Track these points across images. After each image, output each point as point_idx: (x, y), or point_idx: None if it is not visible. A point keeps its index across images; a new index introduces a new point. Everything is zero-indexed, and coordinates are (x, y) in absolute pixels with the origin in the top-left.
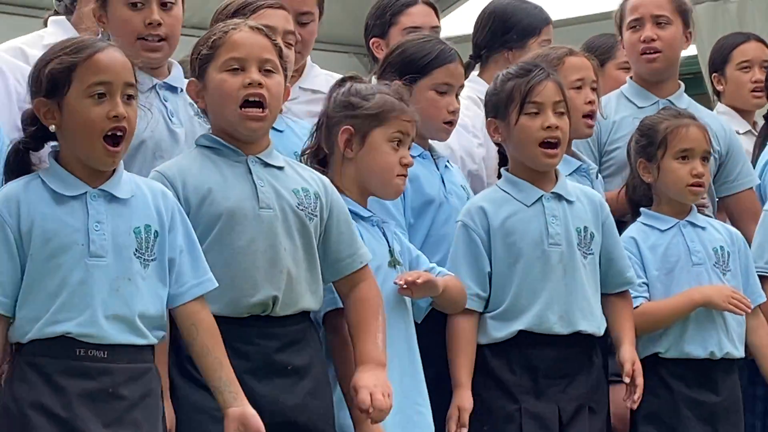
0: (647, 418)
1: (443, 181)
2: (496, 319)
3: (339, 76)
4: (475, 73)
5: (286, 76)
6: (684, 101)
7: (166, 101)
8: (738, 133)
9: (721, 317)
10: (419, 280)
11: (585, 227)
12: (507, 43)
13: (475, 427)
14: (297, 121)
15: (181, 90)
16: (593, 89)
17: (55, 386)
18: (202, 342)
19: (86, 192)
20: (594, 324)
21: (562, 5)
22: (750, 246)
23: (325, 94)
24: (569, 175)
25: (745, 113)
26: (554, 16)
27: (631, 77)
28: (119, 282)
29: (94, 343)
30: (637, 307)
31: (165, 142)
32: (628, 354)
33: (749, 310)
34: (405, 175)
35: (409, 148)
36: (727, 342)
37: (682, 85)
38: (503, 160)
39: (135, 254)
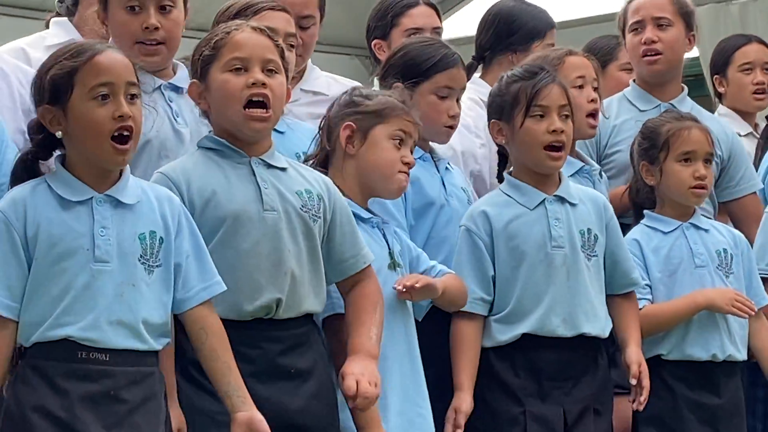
0: (649, 420)
1: (444, 184)
2: (500, 322)
3: (340, 78)
4: (477, 74)
5: (287, 78)
6: (687, 105)
7: (171, 102)
8: (739, 135)
9: (723, 320)
10: (418, 285)
11: (588, 229)
12: (511, 46)
13: (479, 431)
14: (298, 122)
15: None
16: (595, 88)
17: (56, 389)
18: (211, 346)
19: (92, 197)
20: (598, 326)
21: (565, 7)
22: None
23: (326, 95)
24: (571, 176)
25: (746, 115)
26: (556, 18)
27: (633, 80)
28: (123, 287)
29: (96, 347)
30: (639, 309)
31: (170, 142)
32: (635, 355)
33: (753, 314)
34: (407, 173)
35: (411, 152)
36: (730, 344)
37: (685, 88)
38: (502, 161)
39: (140, 260)
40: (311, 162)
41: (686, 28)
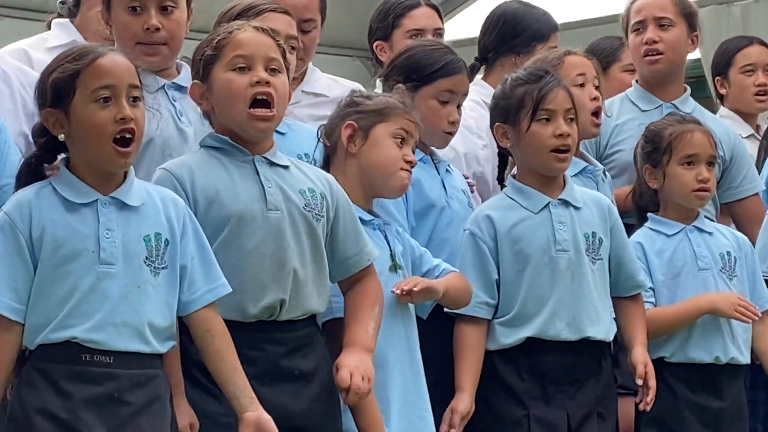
0: (650, 421)
1: (444, 186)
2: (505, 325)
3: (341, 80)
4: (479, 76)
5: (288, 79)
6: (689, 105)
7: (174, 101)
8: (741, 137)
9: (726, 322)
10: (416, 288)
11: (593, 233)
12: (515, 48)
13: None
14: (299, 124)
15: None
16: (596, 87)
17: (60, 391)
18: (217, 348)
19: (97, 199)
20: (602, 330)
21: (567, 8)
22: None
23: (327, 97)
24: (575, 176)
25: (748, 117)
26: (559, 20)
27: (636, 80)
28: (129, 289)
29: (99, 349)
30: None
31: (174, 141)
32: (641, 356)
33: (756, 318)
34: (409, 171)
35: (413, 152)
36: (733, 347)
37: (688, 88)
38: (502, 163)
39: (145, 262)
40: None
41: (689, 29)
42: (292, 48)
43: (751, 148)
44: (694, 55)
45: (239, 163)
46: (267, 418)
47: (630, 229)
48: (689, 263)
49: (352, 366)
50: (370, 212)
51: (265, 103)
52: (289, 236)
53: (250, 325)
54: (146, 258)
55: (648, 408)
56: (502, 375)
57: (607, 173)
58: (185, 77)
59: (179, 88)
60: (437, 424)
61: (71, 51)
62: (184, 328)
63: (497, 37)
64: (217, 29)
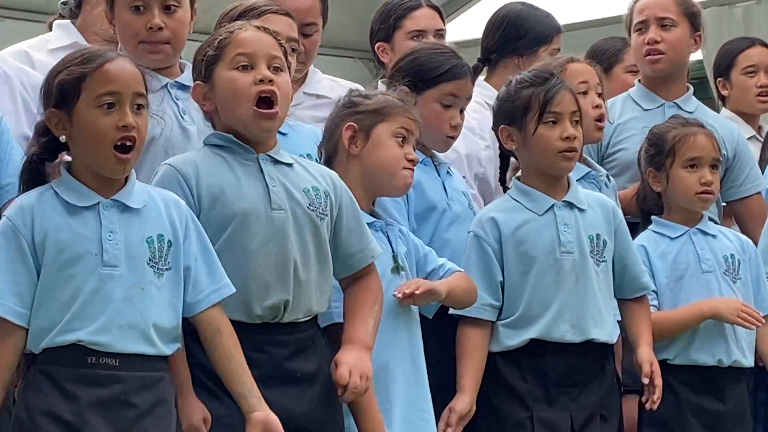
0: (652, 422)
1: (445, 188)
2: (509, 327)
3: (342, 81)
4: (481, 77)
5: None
6: (692, 104)
7: (177, 100)
8: None
9: (730, 325)
10: (418, 292)
11: (597, 235)
12: (518, 50)
13: None
14: (301, 124)
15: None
16: (599, 94)
17: (66, 394)
18: (225, 347)
19: (99, 202)
20: (606, 332)
21: (570, 10)
22: None
23: (329, 98)
24: (578, 181)
25: (750, 118)
26: (561, 21)
27: (638, 80)
28: (133, 291)
29: (105, 352)
30: None
31: (176, 139)
32: (646, 355)
33: (759, 325)
34: (411, 170)
35: (414, 149)
36: (736, 350)
37: (691, 88)
38: (504, 164)
39: (149, 263)
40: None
41: (691, 29)
42: (293, 50)
43: (754, 150)
44: (696, 56)
45: (243, 162)
46: (274, 419)
47: (634, 228)
48: (693, 266)
49: (351, 364)
50: (372, 213)
51: (268, 101)
52: (293, 236)
53: (253, 327)
54: (149, 259)
55: (655, 407)
56: (506, 377)
57: (610, 178)
58: (188, 76)
59: (182, 87)
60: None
61: (79, 53)
62: (187, 330)
63: (500, 38)
64: (219, 30)
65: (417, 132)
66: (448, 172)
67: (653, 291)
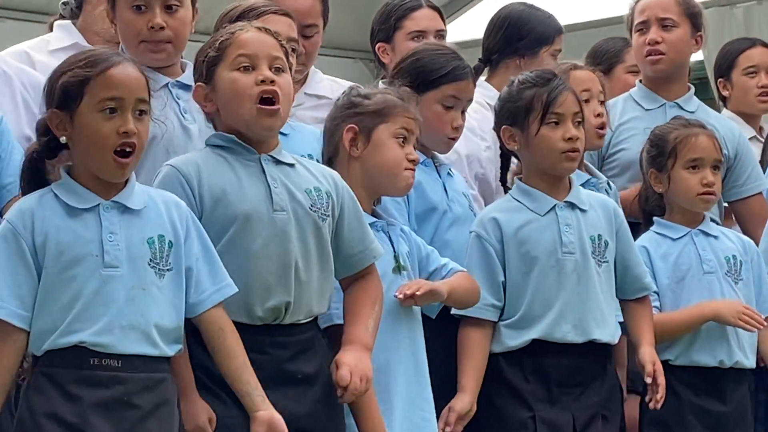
0: (653, 422)
1: (445, 189)
2: (510, 327)
3: (343, 81)
4: (482, 77)
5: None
6: (693, 104)
7: (178, 99)
8: None
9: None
10: (419, 292)
11: (599, 235)
12: (519, 50)
13: None
14: (301, 125)
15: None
16: (601, 102)
17: (68, 395)
18: (230, 346)
19: (99, 204)
20: (608, 332)
21: (571, 10)
22: None
23: (329, 99)
24: None
25: (751, 118)
26: (562, 21)
27: (640, 80)
28: (134, 292)
29: (107, 353)
30: None
31: (178, 139)
32: (648, 355)
33: (761, 327)
34: (413, 170)
35: (415, 149)
36: (738, 351)
37: (692, 87)
38: (504, 164)
39: (150, 264)
40: None
41: (693, 29)
42: (293, 50)
43: (754, 150)
44: (697, 56)
45: (246, 162)
46: (279, 418)
47: (635, 229)
48: (694, 267)
49: (352, 365)
50: (373, 214)
51: (270, 101)
52: (295, 237)
53: (255, 329)
54: (150, 260)
55: (658, 406)
56: (508, 377)
57: (611, 184)
58: (189, 75)
59: (183, 86)
60: None
61: (84, 55)
62: (188, 331)
63: (502, 39)
64: (219, 31)
65: (417, 131)
66: (448, 173)
67: (655, 292)
